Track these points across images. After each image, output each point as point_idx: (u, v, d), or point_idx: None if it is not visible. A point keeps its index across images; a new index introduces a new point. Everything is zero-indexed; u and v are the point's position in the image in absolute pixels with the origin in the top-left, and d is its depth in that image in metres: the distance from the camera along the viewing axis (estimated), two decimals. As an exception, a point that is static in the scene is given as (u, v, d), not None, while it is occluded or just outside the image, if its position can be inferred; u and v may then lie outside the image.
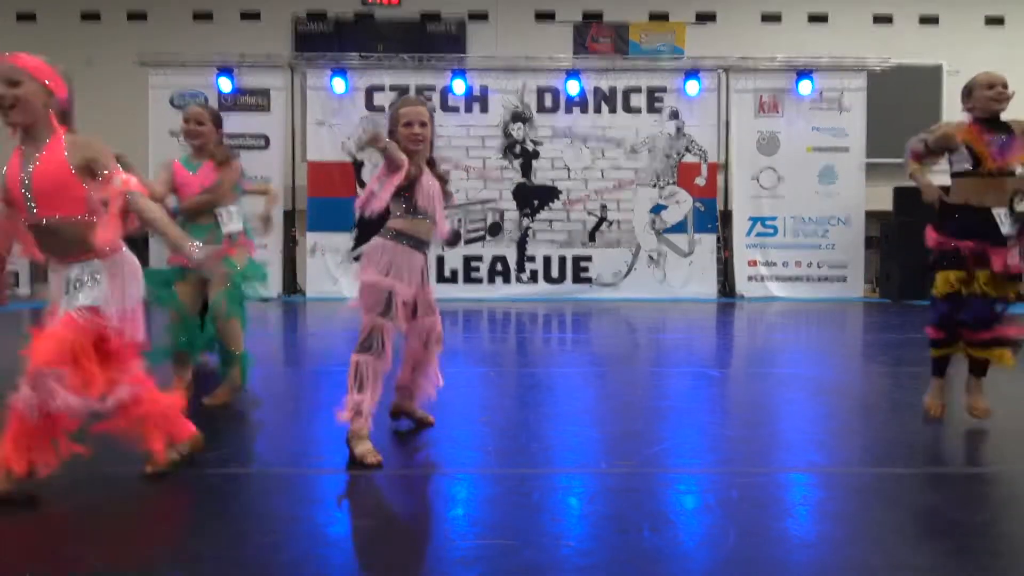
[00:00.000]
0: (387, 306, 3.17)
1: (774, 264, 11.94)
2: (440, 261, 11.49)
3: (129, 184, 2.68)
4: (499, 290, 11.72)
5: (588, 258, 11.85)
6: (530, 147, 11.77)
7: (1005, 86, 3.79)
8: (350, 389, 3.16)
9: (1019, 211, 3.77)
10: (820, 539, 2.47)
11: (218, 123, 4.35)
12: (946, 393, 3.99)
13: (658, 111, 11.83)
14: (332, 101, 11.67)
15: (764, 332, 8.64)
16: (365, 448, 3.12)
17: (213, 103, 11.30)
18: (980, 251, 3.69)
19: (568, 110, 11.83)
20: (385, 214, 3.37)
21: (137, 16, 12.73)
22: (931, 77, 12.32)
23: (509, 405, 4.49)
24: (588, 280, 11.83)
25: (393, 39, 12.39)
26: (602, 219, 11.85)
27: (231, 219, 4.28)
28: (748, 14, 12.85)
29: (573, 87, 11.66)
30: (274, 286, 11.40)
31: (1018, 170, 3.76)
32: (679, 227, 11.84)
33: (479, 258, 11.78)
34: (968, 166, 3.74)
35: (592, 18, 12.85)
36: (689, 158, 11.83)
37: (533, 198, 11.82)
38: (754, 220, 11.95)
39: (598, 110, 11.83)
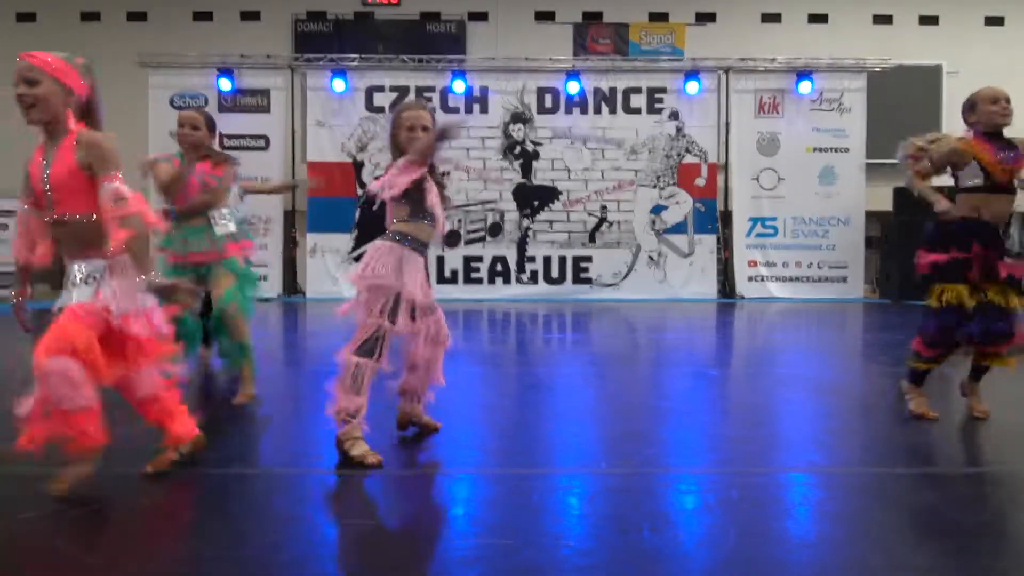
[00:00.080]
0: (393, 309, 3.16)
1: (774, 264, 11.94)
2: (440, 261, 11.49)
3: (119, 193, 2.67)
4: (499, 291, 11.71)
5: (588, 259, 11.85)
6: (530, 148, 11.77)
7: (1008, 100, 3.77)
8: (346, 391, 3.13)
9: None
10: (820, 539, 2.47)
11: (212, 128, 4.42)
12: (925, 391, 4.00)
13: (658, 112, 11.83)
14: (332, 101, 11.67)
15: (764, 332, 8.64)
16: (363, 449, 3.12)
17: (213, 103, 11.32)
18: (989, 261, 3.68)
19: (568, 111, 11.83)
20: (382, 214, 3.38)
21: (137, 16, 12.73)
22: (931, 77, 12.32)
23: (509, 405, 4.49)
24: (588, 281, 11.82)
25: (393, 39, 12.38)
26: (602, 220, 11.85)
27: (224, 221, 4.32)
28: (748, 14, 12.84)
29: (573, 87, 11.66)
30: (274, 286, 11.41)
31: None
32: (679, 228, 11.84)
33: (479, 259, 11.78)
34: (979, 181, 3.71)
35: (592, 18, 12.84)
36: (689, 159, 11.83)
37: (533, 199, 11.82)
38: (754, 220, 11.95)
39: (598, 111, 11.83)
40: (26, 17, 12.66)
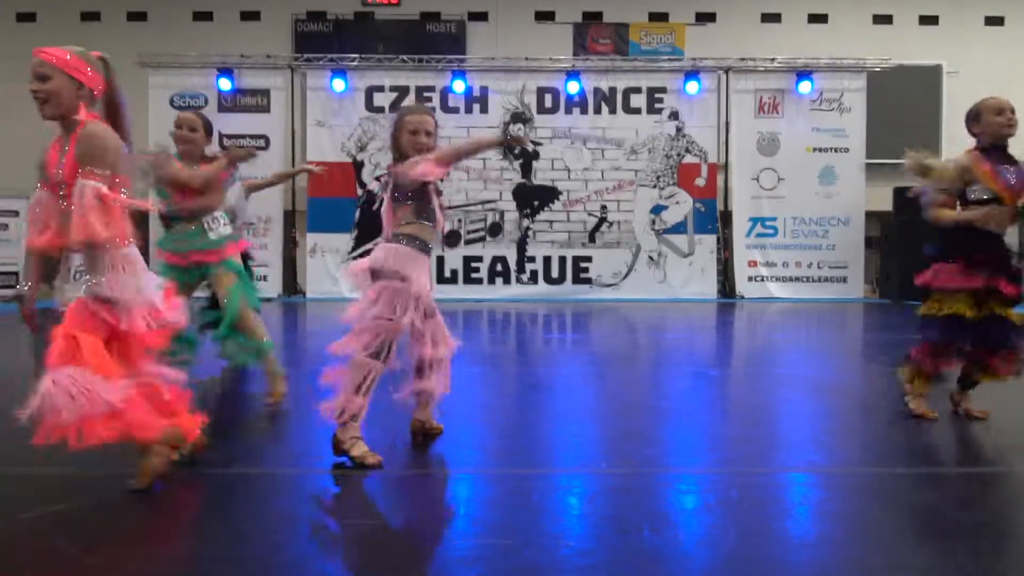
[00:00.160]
0: (404, 311, 3.15)
1: (774, 264, 11.94)
2: (440, 261, 11.50)
3: (87, 192, 2.61)
4: (499, 291, 11.72)
5: (588, 259, 11.85)
6: (530, 148, 11.77)
7: (1013, 111, 3.73)
8: (351, 391, 3.13)
9: None
10: (820, 539, 2.47)
11: (209, 131, 4.45)
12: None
13: (658, 112, 11.83)
14: (332, 101, 11.67)
15: (764, 332, 8.64)
16: (363, 449, 3.11)
17: (213, 103, 11.34)
18: (996, 275, 3.67)
19: (568, 111, 11.84)
20: (378, 214, 3.39)
21: (137, 16, 12.73)
22: (931, 77, 12.32)
23: (509, 405, 4.49)
24: (588, 281, 11.83)
25: (393, 39, 12.38)
26: (602, 220, 11.85)
27: (217, 224, 4.33)
28: (748, 14, 12.84)
29: (573, 87, 11.67)
30: (274, 286, 11.41)
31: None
32: (679, 228, 11.84)
33: (479, 259, 11.78)
34: (987, 195, 3.70)
35: (592, 18, 12.84)
36: (689, 159, 11.84)
37: (533, 199, 11.82)
38: (754, 220, 11.96)
39: (598, 111, 11.83)
40: (26, 17, 12.67)
